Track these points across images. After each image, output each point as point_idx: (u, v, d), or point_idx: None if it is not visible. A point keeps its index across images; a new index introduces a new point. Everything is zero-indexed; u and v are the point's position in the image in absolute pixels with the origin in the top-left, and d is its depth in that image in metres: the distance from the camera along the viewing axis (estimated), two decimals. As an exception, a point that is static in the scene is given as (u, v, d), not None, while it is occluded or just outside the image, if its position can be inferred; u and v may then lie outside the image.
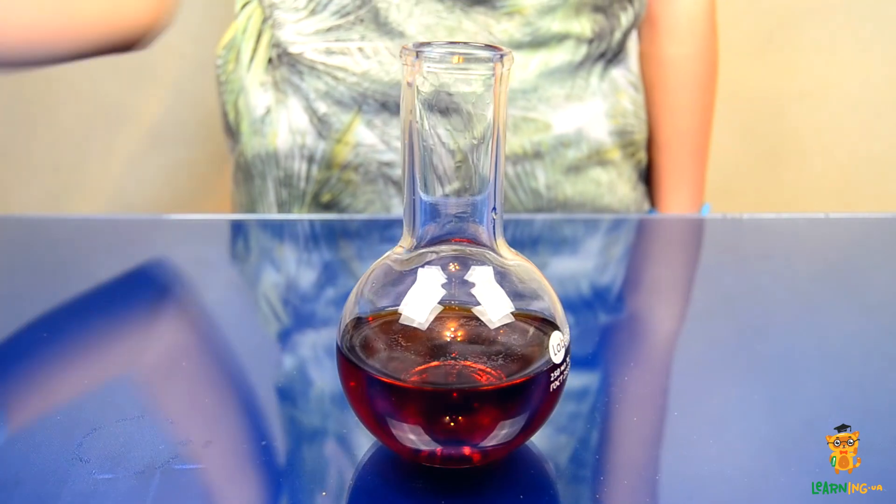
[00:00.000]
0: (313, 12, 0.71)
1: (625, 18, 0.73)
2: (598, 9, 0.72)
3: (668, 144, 0.80)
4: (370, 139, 0.71)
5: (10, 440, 0.40)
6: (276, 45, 0.74)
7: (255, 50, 0.75)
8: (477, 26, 0.69)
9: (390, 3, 0.69)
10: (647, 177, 0.83)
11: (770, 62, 1.29)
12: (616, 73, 0.75)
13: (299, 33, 0.72)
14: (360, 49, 0.70)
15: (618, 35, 0.74)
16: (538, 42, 0.70)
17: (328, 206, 0.74)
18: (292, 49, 0.72)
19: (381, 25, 0.69)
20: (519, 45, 0.70)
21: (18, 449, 0.39)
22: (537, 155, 0.73)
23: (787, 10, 1.26)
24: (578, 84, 0.73)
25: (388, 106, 0.71)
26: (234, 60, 0.78)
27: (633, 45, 0.78)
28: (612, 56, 0.74)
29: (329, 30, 0.71)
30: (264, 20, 0.75)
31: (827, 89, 1.29)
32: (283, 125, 0.74)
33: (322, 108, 0.72)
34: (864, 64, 1.27)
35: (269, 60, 0.74)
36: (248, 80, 0.76)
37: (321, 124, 0.72)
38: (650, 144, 0.81)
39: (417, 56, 0.33)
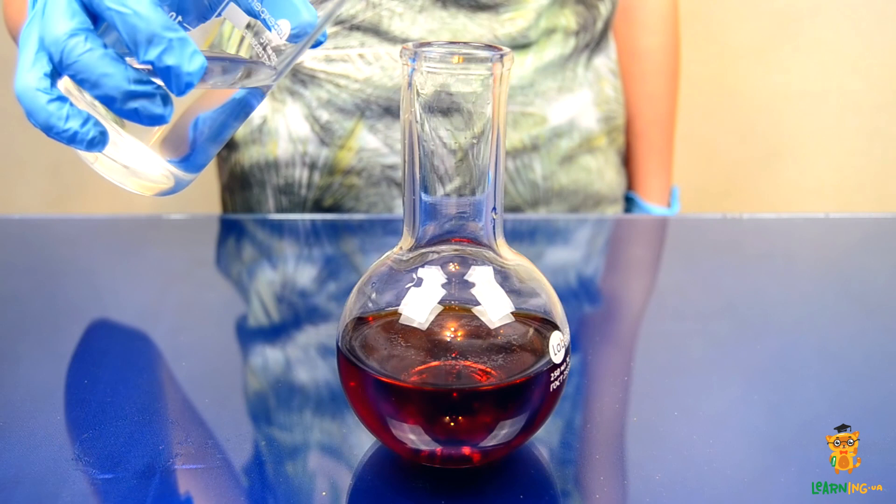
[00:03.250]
0: None
1: (604, 8, 0.76)
2: (579, 0, 0.74)
3: (646, 131, 0.85)
4: (373, 143, 0.72)
5: (10, 440, 0.40)
6: None
7: None
8: (482, 30, 0.70)
9: (393, 13, 0.69)
10: (626, 160, 0.86)
11: (770, 62, 1.29)
12: (598, 61, 0.78)
13: None
14: (361, 56, 0.70)
15: (599, 24, 0.76)
16: (532, 40, 0.72)
17: (330, 211, 0.74)
18: None
19: (383, 34, 0.69)
20: (516, 45, 0.71)
21: (18, 449, 0.39)
22: (534, 148, 0.74)
23: (787, 10, 1.26)
24: (568, 76, 0.75)
25: (391, 110, 0.71)
26: None
27: (611, 32, 0.81)
28: (594, 45, 0.77)
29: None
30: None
31: (827, 89, 1.29)
32: (282, 134, 0.73)
33: (324, 115, 0.72)
34: (865, 64, 1.27)
35: None
36: None
37: (323, 132, 0.72)
38: (627, 132, 0.85)
39: (417, 56, 0.33)
